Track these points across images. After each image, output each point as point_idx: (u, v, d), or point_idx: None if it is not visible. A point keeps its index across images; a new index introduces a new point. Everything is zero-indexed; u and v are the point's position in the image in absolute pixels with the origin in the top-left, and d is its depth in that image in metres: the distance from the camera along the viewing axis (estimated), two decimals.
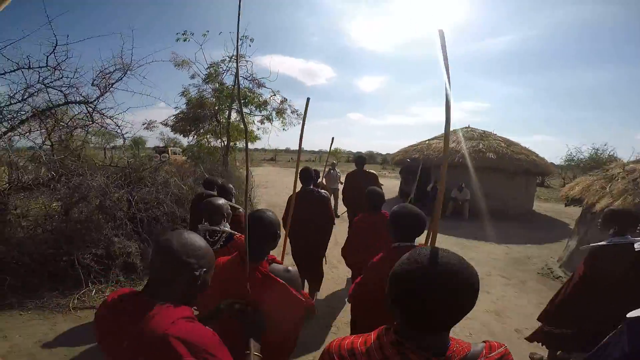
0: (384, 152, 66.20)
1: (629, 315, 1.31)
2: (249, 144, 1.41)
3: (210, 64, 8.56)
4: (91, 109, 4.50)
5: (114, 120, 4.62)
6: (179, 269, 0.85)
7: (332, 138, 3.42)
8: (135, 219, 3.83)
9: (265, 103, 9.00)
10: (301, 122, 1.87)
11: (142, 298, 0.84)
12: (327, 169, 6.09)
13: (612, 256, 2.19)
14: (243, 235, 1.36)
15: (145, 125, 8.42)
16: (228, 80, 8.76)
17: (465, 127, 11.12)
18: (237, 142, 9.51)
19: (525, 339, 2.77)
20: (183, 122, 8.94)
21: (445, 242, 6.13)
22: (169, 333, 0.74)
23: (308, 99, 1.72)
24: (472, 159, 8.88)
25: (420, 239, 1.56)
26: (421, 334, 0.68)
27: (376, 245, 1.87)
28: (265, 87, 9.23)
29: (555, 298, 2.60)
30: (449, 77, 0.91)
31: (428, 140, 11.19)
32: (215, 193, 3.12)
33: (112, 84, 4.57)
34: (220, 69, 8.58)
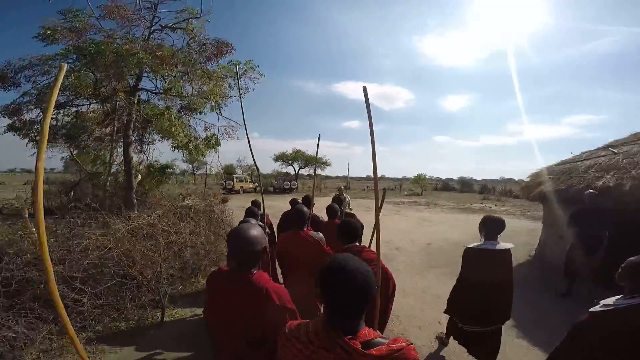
0: (479, 178, 53.95)
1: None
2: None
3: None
4: None
5: None
6: (248, 253, 1.40)
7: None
8: None
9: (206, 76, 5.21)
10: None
11: (240, 271, 1.41)
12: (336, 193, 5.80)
13: (480, 258, 2.56)
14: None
15: None
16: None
17: None
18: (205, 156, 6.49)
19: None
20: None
21: None
22: (268, 287, 1.38)
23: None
24: None
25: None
26: (334, 318, 0.96)
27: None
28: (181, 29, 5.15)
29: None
30: (372, 128, 1.61)
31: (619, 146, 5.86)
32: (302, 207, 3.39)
33: None
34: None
